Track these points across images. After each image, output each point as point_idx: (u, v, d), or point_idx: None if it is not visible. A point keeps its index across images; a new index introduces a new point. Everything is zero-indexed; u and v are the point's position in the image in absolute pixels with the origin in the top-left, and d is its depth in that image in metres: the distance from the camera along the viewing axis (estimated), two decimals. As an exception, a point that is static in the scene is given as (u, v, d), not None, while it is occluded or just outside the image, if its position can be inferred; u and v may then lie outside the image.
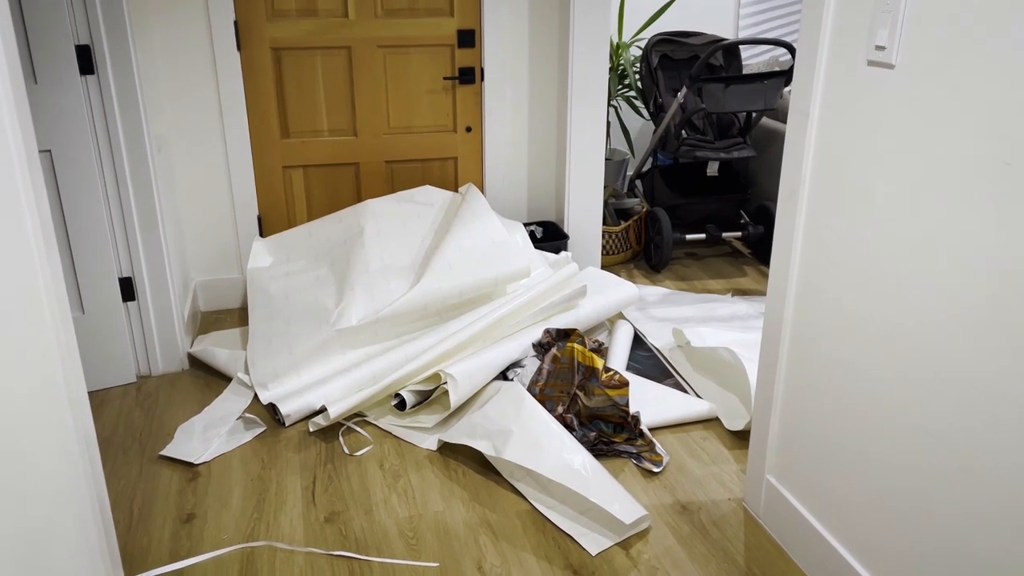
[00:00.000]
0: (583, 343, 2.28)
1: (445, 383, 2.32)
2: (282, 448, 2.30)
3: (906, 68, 1.41)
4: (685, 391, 2.56)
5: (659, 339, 2.91)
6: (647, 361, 2.76)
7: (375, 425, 2.40)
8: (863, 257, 1.55)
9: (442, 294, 2.61)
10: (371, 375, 2.46)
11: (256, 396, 2.52)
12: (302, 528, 1.98)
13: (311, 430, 2.35)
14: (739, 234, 3.64)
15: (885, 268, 1.49)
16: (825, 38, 1.61)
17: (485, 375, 2.35)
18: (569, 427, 2.21)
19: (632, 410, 2.34)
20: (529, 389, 2.33)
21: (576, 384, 2.25)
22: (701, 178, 3.71)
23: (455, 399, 2.27)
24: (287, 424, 2.38)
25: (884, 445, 1.54)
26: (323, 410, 2.40)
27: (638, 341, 2.90)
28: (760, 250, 3.73)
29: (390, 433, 2.36)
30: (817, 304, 1.71)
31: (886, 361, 1.52)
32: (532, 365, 2.42)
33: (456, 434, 2.21)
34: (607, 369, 2.23)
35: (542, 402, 2.28)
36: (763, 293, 3.37)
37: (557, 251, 3.16)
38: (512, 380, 2.42)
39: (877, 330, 1.53)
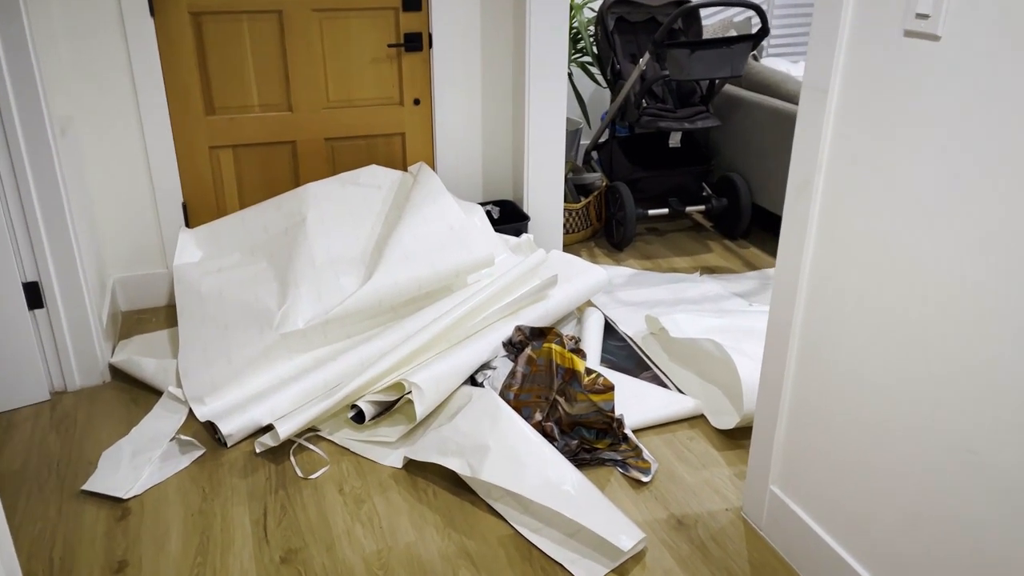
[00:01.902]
0: (561, 343, 2.07)
1: (408, 392, 2.08)
2: (225, 474, 2.03)
3: (955, 41, 1.21)
4: (665, 385, 2.38)
5: (631, 326, 2.73)
6: (621, 352, 2.58)
7: (330, 441, 2.14)
8: (891, 256, 1.37)
9: (398, 289, 2.35)
10: (323, 383, 2.20)
11: (192, 412, 2.23)
12: (255, 572, 1.73)
13: (257, 451, 2.08)
14: (702, 207, 3.47)
15: (919, 269, 1.32)
16: (849, 1, 1.40)
17: (453, 381, 2.12)
18: (549, 436, 2.01)
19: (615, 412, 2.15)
20: (502, 394, 2.11)
21: (556, 389, 2.04)
22: (662, 149, 3.52)
23: (421, 410, 2.04)
24: (229, 444, 2.11)
25: (909, 457, 1.38)
26: (271, 427, 2.13)
27: (609, 330, 2.71)
28: (723, 224, 3.57)
29: (348, 449, 2.11)
30: (833, 304, 1.53)
31: (915, 369, 1.35)
32: (503, 366, 2.20)
33: (424, 450, 1.98)
34: (589, 371, 2.03)
35: (517, 409, 2.07)
36: (731, 270, 3.22)
37: (517, 233, 2.93)
38: (482, 383, 2.19)
39: (906, 335, 1.36)
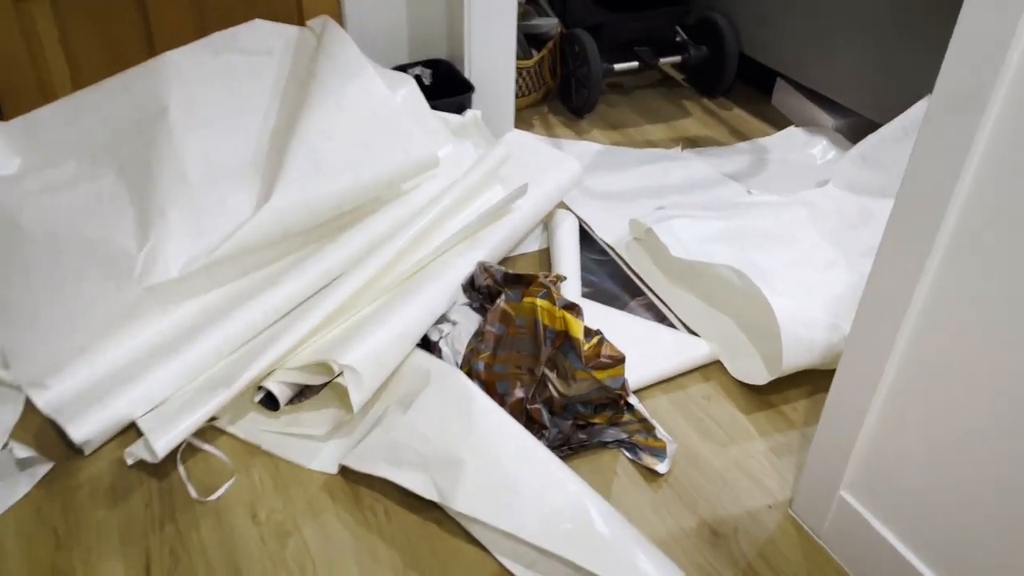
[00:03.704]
0: (548, 296, 1.50)
1: (339, 374, 1.50)
2: (86, 501, 1.44)
3: None
4: (665, 318, 1.87)
5: (609, 230, 2.17)
6: (602, 270, 2.03)
7: (231, 435, 1.57)
8: None
9: (309, 211, 1.70)
10: (214, 352, 1.59)
11: (30, 402, 1.59)
12: (139, 674, 1.20)
13: (129, 462, 1.49)
14: (678, 58, 2.83)
15: None
16: None
17: (399, 350, 1.54)
18: (537, 422, 1.49)
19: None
20: (469, 363, 1.55)
21: (544, 358, 1.49)
22: (631, -16, 2.80)
23: (359, 400, 1.47)
24: (87, 452, 1.51)
25: None
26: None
27: (583, 236, 2.14)
28: (701, 77, 2.95)
29: (259, 448, 1.54)
30: (991, 255, 1.01)
31: None
32: (465, 319, 1.63)
33: (368, 458, 1.43)
34: (588, 332, 1.48)
35: (490, 384, 1.52)
36: (717, 141, 2.65)
37: (460, 109, 2.25)
38: (439, 342, 1.62)
39: None
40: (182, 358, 1.56)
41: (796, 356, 1.61)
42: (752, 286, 1.70)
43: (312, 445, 1.53)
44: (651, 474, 1.53)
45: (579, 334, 1.45)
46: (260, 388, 1.55)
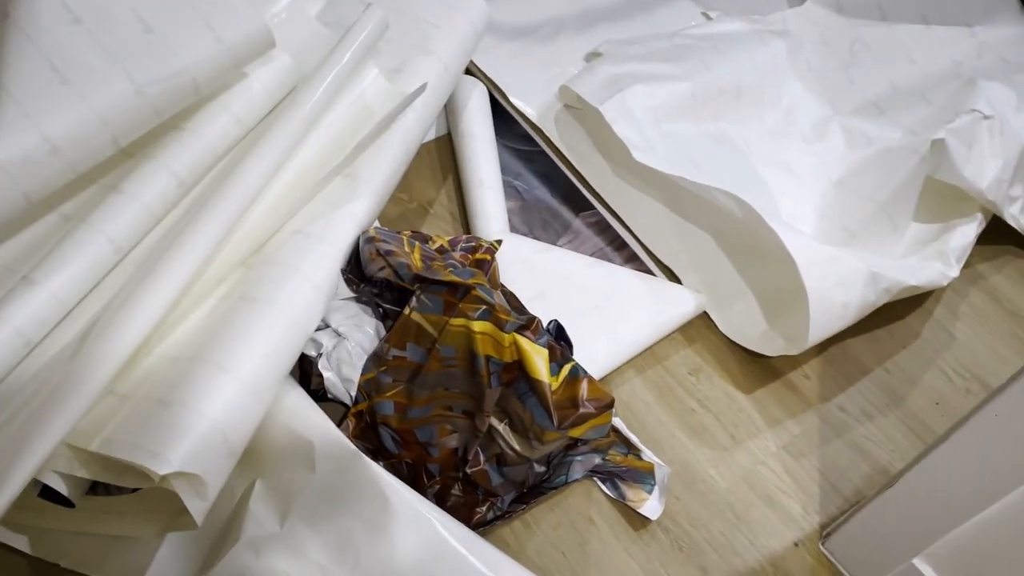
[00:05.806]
0: (491, 316, 0.94)
1: (161, 478, 0.92)
2: None
3: None
4: (625, 246, 1.36)
5: (530, 95, 1.54)
6: (529, 170, 1.45)
7: (8, 547, 1.00)
8: None
9: (63, 159, 1.00)
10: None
11: None
12: None
13: None
14: None
15: None
16: None
17: (256, 409, 0.97)
18: (483, 485, 1.01)
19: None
20: (368, 403, 1.01)
21: (490, 405, 0.97)
22: None
23: (201, 509, 0.91)
24: None
25: None
26: None
27: (496, 112, 1.51)
28: None
29: (57, 567, 1.00)
30: None
31: None
32: (354, 326, 1.05)
33: (232, 592, 0.93)
34: (555, 354, 0.96)
35: (406, 433, 1.00)
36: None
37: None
38: (317, 363, 1.05)
39: None
40: None
41: (825, 327, 1.17)
42: (763, 225, 1.19)
43: (139, 552, 1.00)
44: (636, 513, 1.11)
45: (542, 374, 0.93)
46: (36, 481, 0.96)
